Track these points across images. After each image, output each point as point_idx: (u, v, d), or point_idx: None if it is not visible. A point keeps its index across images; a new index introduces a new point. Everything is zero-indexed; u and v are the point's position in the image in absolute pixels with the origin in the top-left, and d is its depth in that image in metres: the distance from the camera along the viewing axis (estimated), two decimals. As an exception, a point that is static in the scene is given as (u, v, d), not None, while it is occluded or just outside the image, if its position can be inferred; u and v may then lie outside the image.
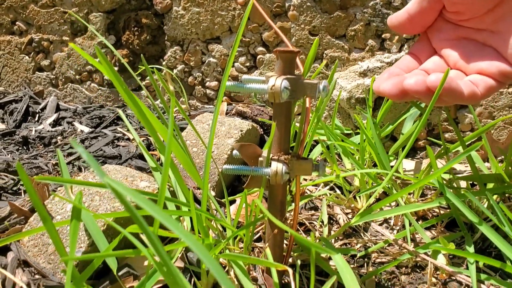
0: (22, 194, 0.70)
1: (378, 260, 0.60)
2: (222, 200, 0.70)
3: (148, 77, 1.19)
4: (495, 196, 0.67)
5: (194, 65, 1.12)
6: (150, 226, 0.25)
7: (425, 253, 0.56)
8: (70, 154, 0.85)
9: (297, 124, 0.94)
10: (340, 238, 0.64)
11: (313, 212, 0.69)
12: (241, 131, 0.80)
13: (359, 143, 0.75)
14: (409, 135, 0.82)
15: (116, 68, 1.18)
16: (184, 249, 0.53)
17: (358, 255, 0.60)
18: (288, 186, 0.49)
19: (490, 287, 0.54)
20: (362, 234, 0.66)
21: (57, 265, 0.49)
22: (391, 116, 0.92)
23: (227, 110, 0.99)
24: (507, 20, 0.49)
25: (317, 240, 0.60)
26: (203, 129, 0.81)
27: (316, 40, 0.54)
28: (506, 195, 0.67)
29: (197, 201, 0.65)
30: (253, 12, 1.00)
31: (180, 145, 0.51)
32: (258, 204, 0.47)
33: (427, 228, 0.67)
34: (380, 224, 0.69)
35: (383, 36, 0.92)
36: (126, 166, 0.77)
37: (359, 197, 0.72)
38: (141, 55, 0.60)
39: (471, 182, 0.81)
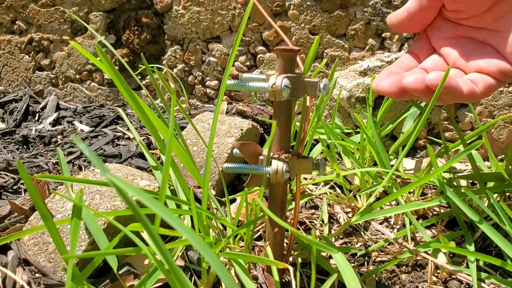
0: (23, 193, 0.70)
1: (379, 258, 0.60)
2: (223, 199, 0.70)
3: (148, 77, 1.19)
4: (495, 195, 0.67)
5: (194, 64, 1.12)
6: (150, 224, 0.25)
7: (426, 252, 0.56)
8: (70, 153, 0.85)
9: (298, 123, 0.94)
10: (340, 237, 0.64)
11: (313, 211, 0.69)
12: (241, 130, 0.80)
13: (359, 142, 0.75)
14: (409, 134, 0.82)
15: (116, 67, 1.17)
16: (184, 247, 0.53)
17: (359, 253, 0.60)
18: (288, 185, 0.49)
19: (491, 286, 0.54)
20: (362, 233, 0.66)
21: (57, 264, 0.49)
22: (391, 115, 0.92)
23: (227, 109, 0.98)
24: (507, 18, 0.49)
25: (318, 239, 0.60)
26: (203, 128, 0.81)
27: (316, 38, 0.54)
28: (507, 194, 0.67)
29: (198, 200, 0.65)
30: (253, 11, 1.00)
31: (181, 144, 0.51)
32: (258, 202, 0.47)
33: (428, 227, 0.67)
34: (381, 223, 0.69)
35: (383, 35, 0.92)
36: (127, 165, 0.77)
37: (359, 196, 0.72)
38: (141, 54, 0.60)
39: (471, 181, 0.81)
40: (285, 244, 0.51)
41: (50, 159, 0.83)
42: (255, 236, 0.60)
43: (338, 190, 0.76)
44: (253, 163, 0.46)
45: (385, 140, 0.93)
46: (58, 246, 0.36)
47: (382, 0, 0.89)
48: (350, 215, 0.70)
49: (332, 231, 0.65)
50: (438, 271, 0.57)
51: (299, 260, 0.54)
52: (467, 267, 0.56)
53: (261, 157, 0.46)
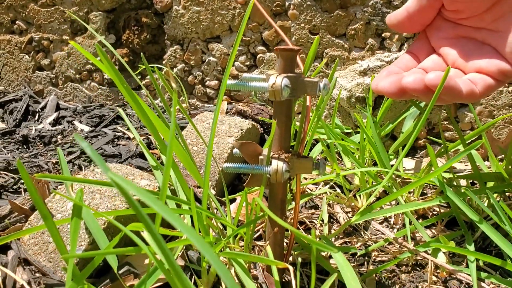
0: (23, 192, 0.70)
1: (379, 258, 0.60)
2: (223, 199, 0.70)
3: (147, 77, 1.19)
4: (495, 195, 0.67)
5: (194, 64, 1.12)
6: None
7: (426, 252, 0.56)
8: (70, 153, 0.85)
9: (298, 123, 0.94)
10: (340, 236, 0.64)
11: (313, 210, 0.69)
12: (241, 130, 0.80)
13: (359, 142, 0.75)
14: (409, 134, 0.82)
15: (116, 67, 1.17)
16: (184, 247, 0.53)
17: (359, 253, 0.60)
18: (288, 185, 0.49)
19: (491, 285, 0.54)
20: (362, 233, 0.66)
21: (57, 263, 0.49)
22: (391, 115, 0.93)
23: (227, 109, 0.99)
24: (507, 19, 0.49)
25: (318, 239, 0.60)
26: (203, 128, 0.81)
27: (316, 38, 0.54)
28: (507, 193, 0.67)
29: (198, 199, 0.65)
30: (253, 11, 1.00)
31: (181, 144, 0.51)
32: (258, 202, 0.47)
33: (427, 227, 0.67)
34: (380, 223, 0.69)
35: (383, 35, 0.92)
36: (127, 165, 0.77)
37: (359, 195, 0.72)
38: (141, 54, 0.60)
39: (471, 181, 0.81)
40: (285, 244, 0.51)
41: (50, 159, 0.83)
42: (255, 236, 0.60)
43: (338, 190, 0.76)
44: (253, 163, 0.46)
45: (385, 140, 0.93)
46: (58, 246, 0.36)
47: (382, 0, 0.89)
48: (350, 215, 0.70)
49: (332, 231, 0.65)
50: (438, 270, 0.57)
51: (299, 259, 0.54)
52: (467, 266, 0.56)
53: (261, 157, 0.46)
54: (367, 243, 0.63)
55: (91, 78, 1.26)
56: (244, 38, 1.03)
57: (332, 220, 0.69)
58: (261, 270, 0.52)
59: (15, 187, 0.71)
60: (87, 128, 1.01)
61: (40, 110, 1.16)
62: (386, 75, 0.54)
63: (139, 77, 1.20)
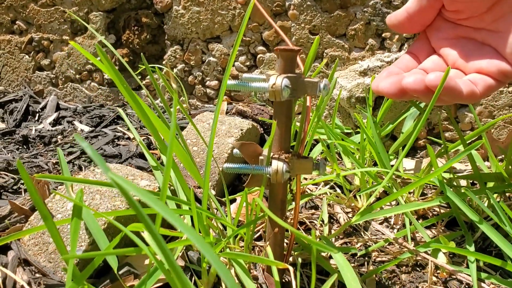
0: (23, 193, 0.70)
1: (379, 259, 0.60)
2: (223, 199, 0.70)
3: (148, 77, 1.19)
4: (495, 195, 0.67)
5: (194, 64, 1.12)
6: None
7: (426, 252, 0.56)
8: (70, 153, 0.85)
9: (298, 123, 0.94)
10: (340, 237, 0.64)
11: (313, 211, 0.69)
12: (241, 130, 0.80)
13: (359, 142, 0.75)
14: (409, 134, 0.82)
15: (116, 67, 1.17)
16: (184, 247, 0.53)
17: (359, 254, 0.60)
18: (288, 185, 0.49)
19: (491, 286, 0.54)
20: (362, 233, 0.66)
21: (57, 264, 0.49)
22: (391, 115, 0.93)
23: (227, 109, 0.99)
24: (507, 19, 0.49)
25: (318, 239, 0.60)
26: (204, 128, 0.81)
27: (317, 38, 0.54)
28: (507, 194, 0.67)
29: (198, 200, 0.65)
30: (254, 11, 1.00)
31: (181, 144, 0.51)
32: (258, 202, 0.47)
33: (428, 227, 0.67)
34: (381, 223, 0.69)
35: (383, 35, 0.92)
36: (127, 165, 0.77)
37: (360, 196, 0.72)
38: (141, 54, 0.60)
39: (471, 181, 0.81)
40: (285, 244, 0.51)
41: (50, 159, 0.83)
42: (255, 236, 0.60)
43: (338, 190, 0.76)
44: (253, 163, 0.46)
45: (385, 140, 0.93)
46: (58, 246, 0.36)
47: (382, 0, 0.89)
48: (350, 215, 0.70)
49: (332, 231, 0.65)
50: (438, 271, 0.57)
51: (299, 260, 0.54)
52: (467, 267, 0.56)
53: (261, 157, 0.46)
54: (367, 243, 0.63)
55: (91, 78, 1.26)
56: (244, 38, 1.03)
57: (332, 220, 0.69)
58: (261, 271, 0.52)
59: (15, 187, 0.71)
60: (87, 128, 1.01)
61: (40, 110, 1.16)
62: (386, 76, 0.54)
63: (139, 77, 1.20)
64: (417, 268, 0.59)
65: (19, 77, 1.36)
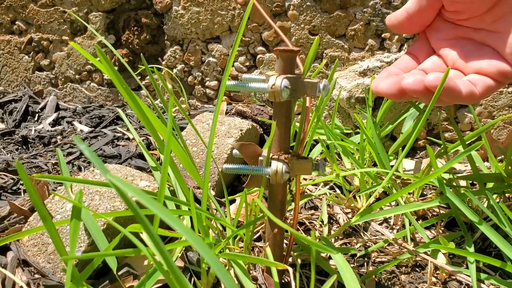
0: (22, 193, 0.70)
1: (378, 259, 0.60)
2: (222, 200, 0.70)
3: (147, 77, 1.19)
4: (495, 196, 0.67)
5: (194, 64, 1.12)
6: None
7: (425, 253, 0.56)
8: (69, 154, 0.85)
9: (297, 124, 0.94)
10: (340, 237, 0.64)
11: (313, 211, 0.69)
12: (241, 130, 0.80)
13: (359, 143, 0.75)
14: (409, 135, 0.82)
15: (116, 68, 1.17)
16: (184, 248, 0.53)
17: (358, 254, 0.60)
18: (288, 186, 0.49)
19: (490, 287, 0.54)
20: (362, 234, 0.66)
21: (57, 265, 0.49)
22: (391, 116, 0.92)
23: (227, 109, 0.98)
24: (507, 19, 0.49)
25: (317, 240, 0.60)
26: (203, 128, 0.81)
27: (316, 39, 0.54)
28: (506, 194, 0.67)
29: (197, 200, 0.65)
30: (253, 11, 1.00)
31: (180, 145, 0.51)
32: (258, 203, 0.46)
33: (427, 228, 0.67)
34: (380, 224, 0.69)
35: (383, 35, 0.92)
36: (126, 165, 0.77)
37: (359, 196, 0.72)
38: (141, 54, 0.60)
39: (471, 182, 0.81)
40: (284, 245, 0.51)
41: (50, 159, 0.82)
42: (255, 237, 0.60)
43: (338, 191, 0.76)
44: (253, 164, 0.46)
45: (384, 141, 0.93)
46: (57, 247, 0.36)
47: (381, 1, 0.89)
48: (349, 215, 0.70)
49: (332, 232, 0.65)
50: (437, 271, 0.57)
51: (299, 261, 0.54)
52: (467, 268, 0.56)
53: (260, 158, 0.45)
54: (367, 244, 0.63)
55: (90, 79, 1.26)
56: (243, 38, 1.03)
57: (331, 221, 0.69)
58: (260, 271, 0.52)
59: (14, 188, 0.71)
60: (86, 129, 1.01)
61: (39, 110, 1.16)
62: (385, 76, 0.54)
63: (139, 77, 1.20)
64: (417, 269, 0.59)
65: (18, 78, 1.36)
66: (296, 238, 0.53)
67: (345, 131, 0.96)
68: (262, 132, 0.92)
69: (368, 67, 0.92)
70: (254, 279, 0.51)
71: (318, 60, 0.99)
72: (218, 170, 0.70)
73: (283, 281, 0.53)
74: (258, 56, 1.04)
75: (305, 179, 0.80)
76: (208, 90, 1.13)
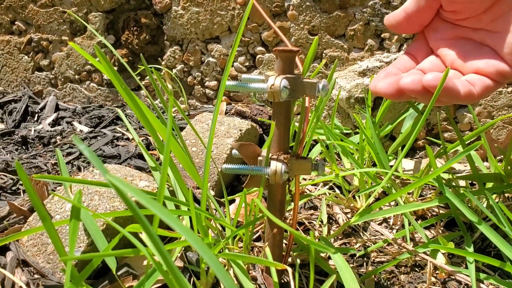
0: (21, 193, 0.70)
1: (378, 259, 0.60)
2: (222, 200, 0.70)
3: (147, 77, 1.19)
4: (494, 196, 0.67)
5: (194, 64, 1.12)
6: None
7: (425, 253, 0.56)
8: (69, 154, 0.85)
9: (297, 124, 0.94)
10: (339, 237, 0.64)
11: (312, 211, 0.69)
12: (241, 130, 0.80)
13: (358, 143, 0.75)
14: (408, 135, 0.82)
15: (115, 68, 1.17)
16: (183, 248, 0.53)
17: (358, 254, 0.60)
18: (287, 186, 0.49)
19: (490, 287, 0.54)
20: (361, 234, 0.66)
21: (56, 265, 0.49)
22: (391, 116, 0.93)
23: (226, 109, 0.99)
24: (505, 19, 0.49)
25: (317, 240, 0.60)
26: (203, 128, 0.81)
27: (315, 39, 0.54)
28: (506, 194, 0.67)
29: (197, 200, 0.65)
30: (253, 11, 1.00)
31: (180, 145, 0.51)
32: (257, 203, 0.47)
33: (427, 228, 0.67)
34: (380, 224, 0.69)
35: (382, 35, 0.92)
36: (126, 165, 0.77)
37: (359, 196, 0.72)
38: (141, 54, 0.60)
39: (470, 182, 0.81)
40: (284, 245, 0.51)
41: (49, 159, 0.82)
42: (254, 237, 0.60)
43: (337, 191, 0.76)
44: (252, 164, 0.46)
45: (384, 141, 0.93)
46: (56, 247, 0.36)
47: (381, 1, 0.90)
48: (349, 215, 0.70)
49: (331, 232, 0.65)
50: (437, 271, 0.57)
51: (298, 261, 0.54)
52: (466, 267, 0.56)
53: (260, 158, 0.46)
54: (366, 244, 0.63)
55: (90, 79, 1.26)
56: (243, 38, 1.03)
57: (331, 221, 0.69)
58: (260, 271, 0.52)
59: (14, 188, 0.71)
60: (86, 129, 1.01)
61: (39, 110, 1.16)
62: (384, 77, 0.54)
63: (138, 77, 1.20)
64: (416, 269, 0.59)
65: (18, 78, 1.36)
66: (295, 238, 0.53)
67: (345, 131, 0.96)
68: (262, 132, 0.92)
69: (368, 67, 0.92)
70: (254, 279, 0.51)
71: (318, 60, 0.99)
72: (218, 170, 0.70)
73: (282, 281, 0.53)
74: (258, 56, 1.04)
75: (305, 179, 0.80)
76: (207, 90, 1.13)
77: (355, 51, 0.95)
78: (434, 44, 0.56)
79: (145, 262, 0.51)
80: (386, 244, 0.61)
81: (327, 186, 0.77)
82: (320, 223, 0.66)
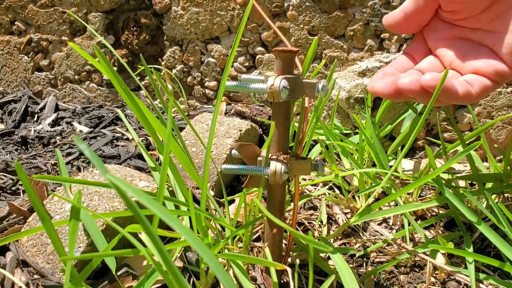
0: (21, 194, 0.70)
1: (377, 259, 0.60)
2: (221, 200, 0.70)
3: (147, 77, 1.19)
4: (493, 196, 0.67)
5: (193, 65, 1.12)
6: (149, 225, 0.25)
7: (424, 253, 0.56)
8: (69, 154, 0.85)
9: (296, 124, 0.94)
10: (339, 237, 0.64)
11: (312, 212, 0.69)
12: (240, 131, 0.80)
13: (358, 143, 0.75)
14: (407, 135, 0.82)
15: (115, 68, 1.17)
16: (183, 249, 0.53)
17: (357, 254, 0.60)
18: (287, 186, 0.49)
19: (489, 287, 0.54)
20: (361, 234, 0.66)
21: (56, 265, 0.49)
22: (390, 116, 0.93)
23: (226, 110, 0.99)
24: (504, 19, 0.49)
25: (316, 240, 0.60)
26: (202, 129, 0.81)
27: (315, 39, 0.54)
28: (505, 194, 0.68)
29: (196, 200, 0.65)
30: (252, 12, 1.00)
31: (179, 145, 0.51)
32: (257, 203, 0.47)
33: (426, 228, 0.67)
34: (379, 224, 0.69)
35: (382, 36, 0.92)
36: (125, 166, 0.77)
37: (358, 196, 0.72)
38: (140, 54, 0.60)
39: (470, 182, 0.81)
40: (283, 245, 0.51)
41: (49, 160, 0.82)
42: (254, 237, 0.60)
43: (337, 191, 0.76)
44: (252, 164, 0.46)
45: (384, 141, 0.93)
46: (56, 248, 0.36)
47: (380, 1, 0.90)
48: (349, 216, 0.70)
49: (331, 232, 0.65)
50: (436, 272, 0.57)
51: (298, 261, 0.54)
52: (466, 268, 0.56)
53: (259, 158, 0.46)
54: (366, 244, 0.63)
55: (90, 79, 1.26)
56: (243, 39, 1.03)
57: (331, 221, 0.69)
58: (259, 272, 0.52)
59: (13, 188, 0.71)
60: (86, 129, 1.01)
61: (39, 111, 1.16)
62: (382, 77, 0.54)
63: (138, 78, 1.20)
64: (416, 269, 0.59)
65: (18, 78, 1.36)
66: (295, 238, 0.53)
67: (344, 131, 0.96)
68: (261, 132, 0.92)
69: (367, 67, 0.92)
70: (253, 279, 0.51)
71: (317, 61, 0.99)
72: (217, 171, 0.70)
73: (282, 281, 0.53)
74: (257, 57, 1.04)
75: (304, 179, 0.80)
76: (207, 91, 1.13)
77: (354, 51, 0.95)
78: (432, 44, 0.56)
79: (144, 262, 0.51)
80: (385, 244, 0.61)
81: (326, 186, 0.77)
82: (319, 223, 0.66)
